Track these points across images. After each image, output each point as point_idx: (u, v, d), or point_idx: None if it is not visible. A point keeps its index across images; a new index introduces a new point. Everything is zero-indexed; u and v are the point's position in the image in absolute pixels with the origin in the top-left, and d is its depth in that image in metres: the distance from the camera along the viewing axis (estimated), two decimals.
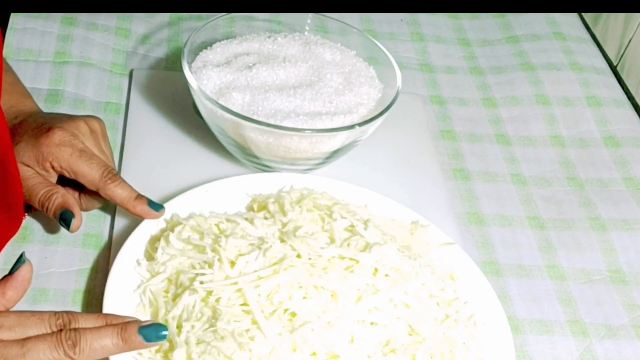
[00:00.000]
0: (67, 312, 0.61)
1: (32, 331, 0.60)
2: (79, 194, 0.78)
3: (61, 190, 0.75)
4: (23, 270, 0.62)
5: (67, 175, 0.75)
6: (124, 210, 0.75)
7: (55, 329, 0.60)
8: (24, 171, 0.74)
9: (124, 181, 0.75)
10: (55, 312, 0.61)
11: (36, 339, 0.59)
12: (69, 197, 0.75)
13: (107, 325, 0.62)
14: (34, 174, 0.74)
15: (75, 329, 0.60)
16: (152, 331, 0.62)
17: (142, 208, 0.74)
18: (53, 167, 0.74)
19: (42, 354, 0.58)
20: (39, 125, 0.76)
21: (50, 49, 0.96)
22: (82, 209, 0.77)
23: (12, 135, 0.75)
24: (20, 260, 0.62)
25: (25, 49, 0.95)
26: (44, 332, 0.60)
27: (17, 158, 0.74)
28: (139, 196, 0.75)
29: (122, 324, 0.62)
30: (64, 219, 0.73)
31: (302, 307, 0.66)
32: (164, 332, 0.62)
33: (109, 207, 0.79)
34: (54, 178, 0.76)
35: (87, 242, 0.76)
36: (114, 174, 0.74)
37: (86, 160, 0.74)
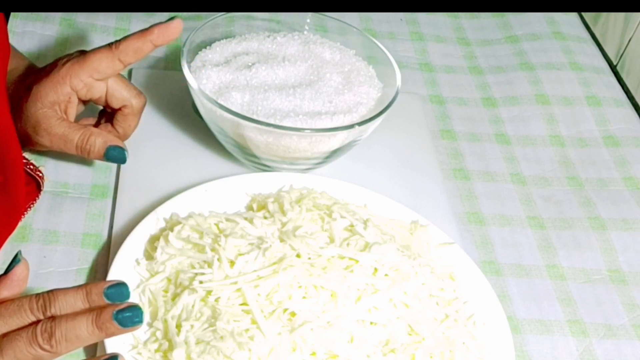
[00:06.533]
0: (47, 292, 0.60)
1: (13, 321, 0.58)
2: (110, 125, 0.80)
3: (94, 129, 0.76)
4: (18, 270, 0.61)
5: (83, 88, 0.76)
6: (124, 210, 0.75)
7: (36, 315, 0.59)
8: (48, 117, 0.75)
9: (127, 36, 0.76)
10: (36, 294, 0.60)
11: (12, 336, 0.58)
12: (106, 134, 0.76)
13: (83, 311, 0.59)
14: (58, 119, 0.75)
15: (52, 318, 0.58)
16: (127, 317, 0.59)
17: (158, 30, 0.75)
18: (72, 86, 0.75)
19: (19, 351, 0.57)
20: (52, 65, 0.77)
21: (50, 51, 0.96)
22: (121, 137, 0.79)
23: (22, 87, 0.77)
24: (15, 260, 0.61)
25: (24, 52, 0.94)
26: (25, 320, 0.59)
27: (39, 102, 0.75)
28: (147, 29, 0.75)
29: (97, 310, 0.59)
30: (113, 155, 0.75)
31: (302, 306, 0.66)
32: (140, 317, 0.59)
33: (109, 206, 0.79)
34: (72, 109, 0.77)
35: (86, 241, 0.76)
36: (117, 41, 0.75)
37: (90, 54, 0.76)
